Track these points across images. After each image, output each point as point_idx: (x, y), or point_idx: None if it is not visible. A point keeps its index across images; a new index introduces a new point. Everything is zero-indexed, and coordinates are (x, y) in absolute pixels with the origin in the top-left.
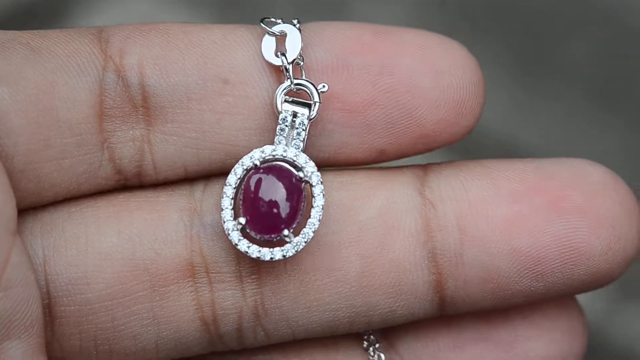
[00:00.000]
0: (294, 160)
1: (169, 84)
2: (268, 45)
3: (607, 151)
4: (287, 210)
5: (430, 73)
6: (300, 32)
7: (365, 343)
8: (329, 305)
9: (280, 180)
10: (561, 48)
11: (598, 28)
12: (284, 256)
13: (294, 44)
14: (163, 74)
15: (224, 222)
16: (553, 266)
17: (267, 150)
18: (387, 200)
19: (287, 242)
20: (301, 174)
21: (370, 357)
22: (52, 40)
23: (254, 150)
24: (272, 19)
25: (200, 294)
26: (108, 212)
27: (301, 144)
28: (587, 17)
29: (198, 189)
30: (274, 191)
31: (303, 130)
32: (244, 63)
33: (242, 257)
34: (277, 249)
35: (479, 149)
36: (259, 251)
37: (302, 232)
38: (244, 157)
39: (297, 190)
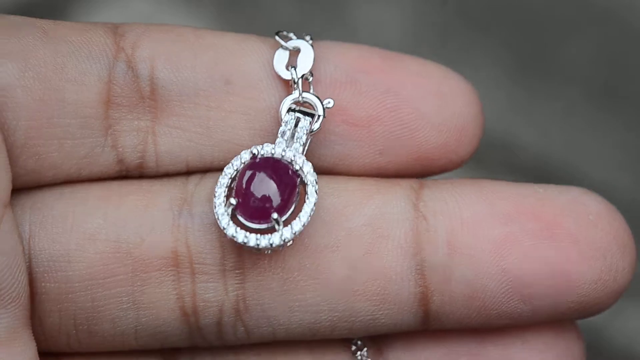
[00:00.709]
0: (292, 160)
1: (179, 78)
2: (280, 58)
3: (607, 151)
4: (279, 198)
5: (435, 98)
6: (312, 48)
7: (354, 347)
8: (311, 306)
9: (275, 170)
10: (560, 48)
11: (598, 28)
12: (270, 244)
13: (306, 60)
14: (173, 68)
15: (215, 206)
16: (541, 291)
17: (267, 148)
18: (379, 209)
19: (275, 231)
20: (297, 167)
21: None
22: (67, 28)
23: (253, 146)
24: (285, 33)
25: (182, 283)
26: (98, 195)
27: (301, 148)
28: (587, 17)
29: (192, 182)
30: (269, 179)
31: (304, 134)
32: (254, 68)
33: (227, 250)
34: (264, 236)
35: (479, 148)
36: (246, 236)
37: (291, 223)
38: (243, 151)
39: (292, 182)
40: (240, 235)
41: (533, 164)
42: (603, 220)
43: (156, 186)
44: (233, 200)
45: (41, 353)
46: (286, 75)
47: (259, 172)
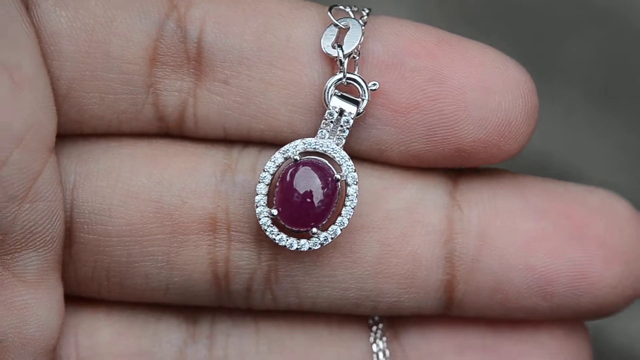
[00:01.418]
0: (334, 157)
1: (225, 44)
2: (329, 35)
3: (607, 151)
4: (319, 208)
5: (480, 90)
6: (363, 27)
7: (373, 325)
8: (340, 283)
9: (316, 176)
10: (561, 48)
11: (598, 28)
12: (309, 248)
13: (353, 39)
14: (222, 33)
15: (257, 206)
16: (562, 290)
17: (309, 143)
18: (416, 194)
19: (314, 236)
20: (338, 176)
21: (374, 343)
22: None
23: (296, 140)
24: (342, 7)
25: (218, 249)
26: (145, 153)
27: (343, 141)
28: (587, 17)
29: (236, 150)
30: (309, 187)
31: (347, 128)
32: (302, 40)
33: None
34: (304, 240)
35: None
36: (287, 240)
37: (330, 228)
38: (285, 146)
39: (332, 189)
40: (282, 240)
41: (533, 163)
42: (630, 225)
43: (201, 150)
44: (274, 211)
45: (71, 296)
46: (333, 52)
47: (300, 178)
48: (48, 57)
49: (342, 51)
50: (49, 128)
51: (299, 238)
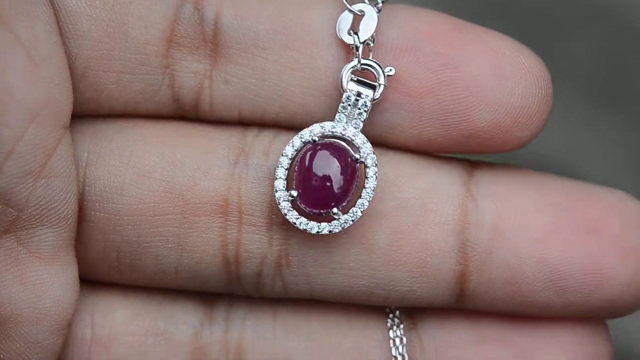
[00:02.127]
0: (352, 140)
1: (241, 26)
2: (344, 21)
3: (607, 151)
4: (339, 189)
5: (494, 76)
6: (379, 13)
7: (390, 313)
8: (351, 270)
9: (335, 158)
10: (560, 47)
11: (597, 27)
12: (330, 231)
13: (368, 25)
14: (238, 15)
15: (276, 191)
16: (575, 284)
17: (327, 127)
18: (431, 183)
19: (335, 219)
20: (357, 156)
21: (390, 329)
22: None
23: (314, 124)
24: None
25: (229, 231)
26: (157, 133)
27: (361, 124)
28: (587, 16)
29: (251, 133)
30: (329, 168)
31: (365, 111)
32: (318, 24)
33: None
34: (324, 223)
35: None
36: (307, 224)
37: (351, 210)
38: (303, 130)
39: (352, 170)
40: (302, 223)
41: (533, 163)
42: None
43: (215, 132)
44: (294, 193)
45: (86, 280)
46: (348, 39)
47: (319, 159)
48: (66, 35)
49: (358, 38)
50: (65, 105)
51: (319, 222)
